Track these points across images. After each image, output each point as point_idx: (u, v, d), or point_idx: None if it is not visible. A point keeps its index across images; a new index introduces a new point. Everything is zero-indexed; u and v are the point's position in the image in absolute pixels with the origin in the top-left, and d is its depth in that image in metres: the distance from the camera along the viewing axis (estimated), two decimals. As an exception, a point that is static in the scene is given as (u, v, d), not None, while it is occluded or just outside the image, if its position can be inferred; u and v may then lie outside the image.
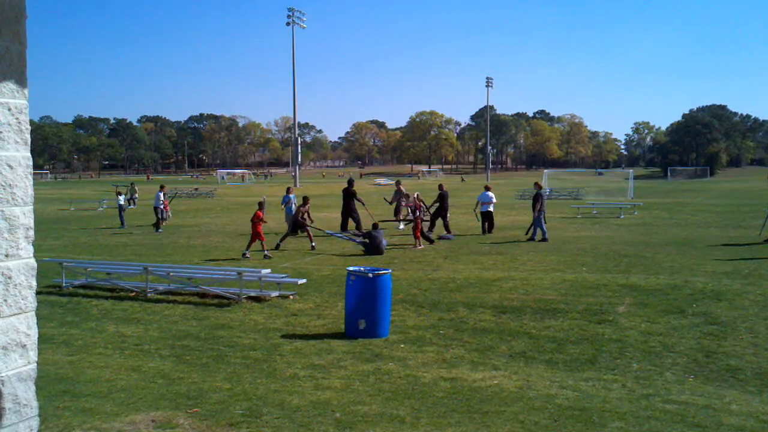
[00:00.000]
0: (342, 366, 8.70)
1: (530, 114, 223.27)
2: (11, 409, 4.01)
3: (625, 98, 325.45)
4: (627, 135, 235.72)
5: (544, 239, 22.68)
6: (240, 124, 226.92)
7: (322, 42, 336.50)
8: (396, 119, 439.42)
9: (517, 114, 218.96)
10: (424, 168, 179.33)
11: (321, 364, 8.80)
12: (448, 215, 25.94)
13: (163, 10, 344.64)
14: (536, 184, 24.76)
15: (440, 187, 26.32)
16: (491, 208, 26.10)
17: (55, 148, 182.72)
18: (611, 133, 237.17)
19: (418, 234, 21.56)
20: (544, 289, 13.87)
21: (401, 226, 27.16)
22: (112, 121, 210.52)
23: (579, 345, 9.71)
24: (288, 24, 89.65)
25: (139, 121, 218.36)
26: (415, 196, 23.43)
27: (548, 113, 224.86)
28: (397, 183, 28.56)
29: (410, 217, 23.89)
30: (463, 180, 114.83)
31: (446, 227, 25.01)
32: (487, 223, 25.81)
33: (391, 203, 28.23)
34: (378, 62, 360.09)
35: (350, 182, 26.16)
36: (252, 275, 13.55)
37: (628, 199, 50.54)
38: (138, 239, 24.81)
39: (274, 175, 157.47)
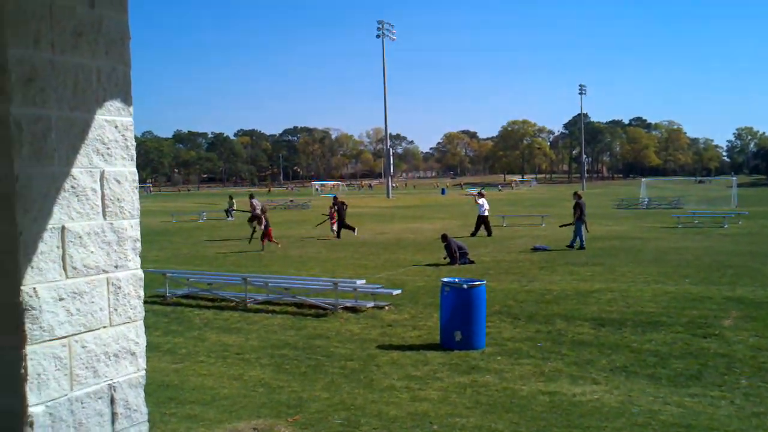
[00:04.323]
0: (438, 378, 8.68)
1: (626, 121, 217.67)
2: (122, 414, 4.19)
3: (726, 103, 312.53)
4: (729, 141, 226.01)
5: (574, 246, 23.54)
6: (333, 137, 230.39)
7: (412, 52, 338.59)
8: (487, 129, 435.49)
9: (612, 121, 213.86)
10: (518, 177, 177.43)
11: (417, 375, 8.81)
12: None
13: (256, 27, 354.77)
14: (576, 193, 25.45)
15: (335, 198, 30.69)
16: (486, 213, 29.37)
17: (157, 162, 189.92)
18: (712, 140, 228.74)
19: (266, 241, 25.44)
20: (645, 301, 13.48)
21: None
22: (209, 135, 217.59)
23: (683, 359, 9.38)
24: (378, 36, 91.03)
25: (235, 134, 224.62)
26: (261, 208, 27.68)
27: (645, 120, 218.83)
28: (250, 197, 30.78)
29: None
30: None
31: (338, 233, 29.72)
32: (483, 226, 29.05)
33: (251, 219, 29.67)
34: (468, 71, 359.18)
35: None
36: (347, 285, 13.69)
37: (732, 208, 48.51)
38: (237, 250, 25.46)
39: (374, 186, 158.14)
